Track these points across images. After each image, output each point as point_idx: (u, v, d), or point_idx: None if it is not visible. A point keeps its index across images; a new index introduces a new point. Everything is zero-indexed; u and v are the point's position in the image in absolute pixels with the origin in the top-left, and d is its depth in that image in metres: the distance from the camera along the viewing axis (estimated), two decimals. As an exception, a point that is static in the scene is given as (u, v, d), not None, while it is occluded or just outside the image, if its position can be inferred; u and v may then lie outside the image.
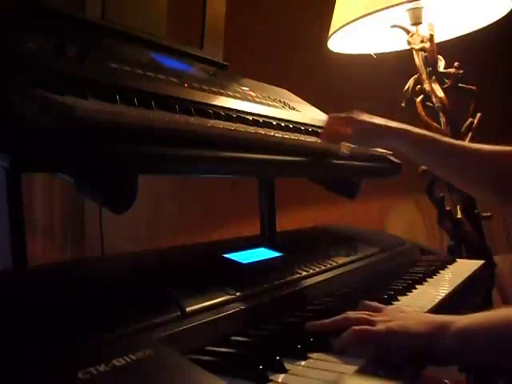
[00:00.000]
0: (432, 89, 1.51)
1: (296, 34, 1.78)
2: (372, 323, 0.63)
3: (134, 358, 0.45)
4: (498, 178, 0.88)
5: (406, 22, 1.51)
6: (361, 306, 0.72)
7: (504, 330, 0.58)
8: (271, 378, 0.52)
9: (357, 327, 0.62)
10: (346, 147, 0.93)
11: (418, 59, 1.52)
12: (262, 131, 0.78)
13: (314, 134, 0.96)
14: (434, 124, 1.50)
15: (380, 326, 0.62)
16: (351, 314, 0.67)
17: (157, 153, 0.57)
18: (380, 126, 0.92)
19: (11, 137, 0.46)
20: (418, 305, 0.80)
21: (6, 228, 0.77)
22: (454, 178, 0.98)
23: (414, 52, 1.52)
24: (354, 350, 0.60)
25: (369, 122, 0.93)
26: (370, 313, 0.67)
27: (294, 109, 1.10)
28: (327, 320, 0.66)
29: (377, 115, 0.96)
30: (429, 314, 0.67)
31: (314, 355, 0.60)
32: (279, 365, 0.54)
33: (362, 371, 0.56)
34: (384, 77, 1.73)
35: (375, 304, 0.72)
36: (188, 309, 0.60)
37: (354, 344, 0.60)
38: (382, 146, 1.01)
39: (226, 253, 0.83)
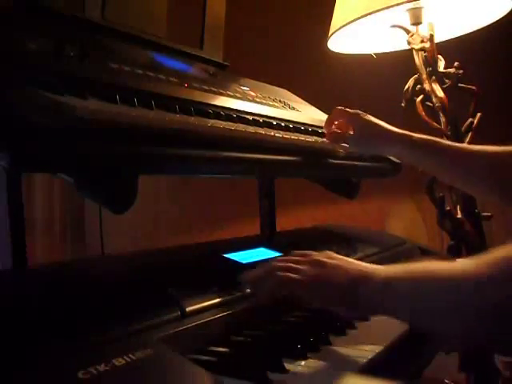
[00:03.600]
0: (432, 89, 1.50)
1: (296, 34, 1.77)
2: (297, 271, 0.63)
3: (134, 357, 0.45)
4: (504, 177, 0.88)
5: (406, 22, 1.51)
6: (292, 253, 0.71)
7: (423, 281, 0.57)
8: (271, 377, 0.52)
9: (282, 274, 0.62)
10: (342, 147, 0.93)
11: (417, 59, 1.52)
12: (261, 131, 0.78)
13: (314, 133, 0.96)
14: (434, 124, 1.50)
15: (304, 276, 0.62)
16: (280, 260, 0.67)
17: (157, 153, 0.57)
18: (382, 128, 0.92)
19: (11, 137, 0.46)
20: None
21: (6, 228, 0.77)
22: (458, 180, 0.97)
23: (414, 52, 1.52)
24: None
25: (371, 122, 0.93)
26: (297, 259, 0.67)
27: (293, 109, 1.10)
28: (256, 270, 0.66)
29: (377, 115, 0.96)
30: (355, 262, 0.65)
31: (315, 355, 0.60)
32: (279, 365, 0.54)
33: (362, 371, 0.56)
34: (384, 77, 1.73)
35: (305, 252, 0.70)
36: (188, 309, 0.60)
37: (275, 291, 0.62)
38: (381, 152, 1.00)
39: (225, 253, 0.83)
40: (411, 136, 0.91)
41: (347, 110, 0.96)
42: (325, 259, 0.65)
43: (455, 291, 0.54)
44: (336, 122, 0.97)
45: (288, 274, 0.62)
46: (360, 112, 0.94)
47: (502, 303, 0.50)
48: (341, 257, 0.66)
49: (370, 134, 0.93)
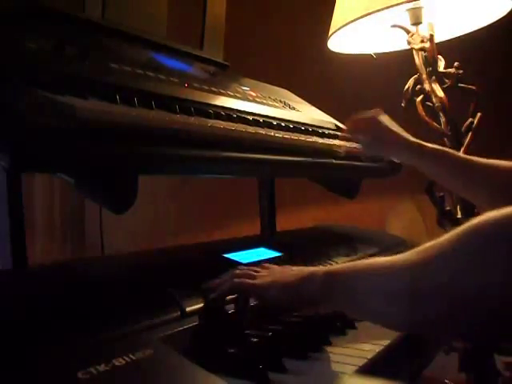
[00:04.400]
0: (432, 89, 1.50)
1: (296, 34, 1.78)
2: (252, 277, 0.67)
3: (133, 357, 0.45)
4: None
5: (406, 22, 1.51)
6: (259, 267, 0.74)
7: (363, 271, 0.59)
8: (271, 377, 0.52)
9: (236, 280, 0.66)
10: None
11: (417, 59, 1.52)
12: (262, 131, 0.78)
13: (314, 133, 0.96)
14: (434, 124, 1.50)
15: (257, 280, 0.66)
16: (239, 270, 0.71)
17: (157, 153, 0.57)
18: (397, 136, 0.94)
19: (11, 137, 0.46)
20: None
21: (6, 228, 0.77)
22: (468, 193, 0.98)
23: (414, 52, 1.52)
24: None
25: (385, 128, 0.94)
26: (255, 269, 0.71)
27: (294, 109, 1.10)
28: (218, 280, 0.68)
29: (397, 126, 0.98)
30: (306, 268, 0.69)
31: (315, 355, 0.60)
32: (279, 365, 0.54)
33: (362, 371, 0.56)
34: (384, 77, 1.73)
35: (267, 265, 0.74)
36: (188, 309, 0.60)
37: (229, 293, 0.65)
38: (393, 157, 1.02)
39: (225, 253, 0.83)
40: (423, 146, 0.93)
41: (362, 117, 0.97)
42: (277, 267, 0.71)
43: (395, 278, 0.55)
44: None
45: (243, 279, 0.67)
46: (376, 115, 0.95)
47: (438, 288, 0.51)
48: (296, 267, 0.70)
49: (383, 140, 0.95)
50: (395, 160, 1.06)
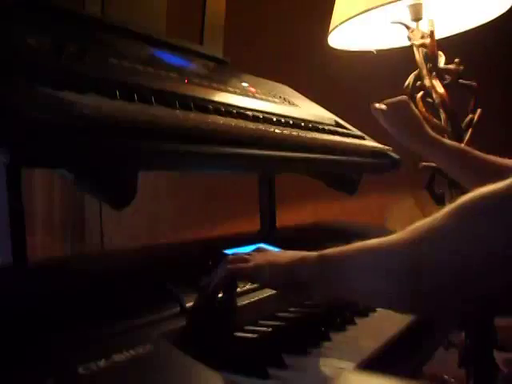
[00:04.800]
0: (432, 85, 1.50)
1: (296, 30, 1.77)
2: (246, 261, 0.67)
3: (134, 353, 0.45)
4: None
5: (407, 18, 1.50)
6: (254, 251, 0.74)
7: (354, 251, 0.59)
8: (271, 373, 0.52)
9: (230, 265, 0.66)
10: None
11: (418, 55, 1.52)
12: (262, 127, 0.78)
13: (314, 129, 0.96)
14: (435, 120, 1.50)
15: (250, 263, 0.66)
16: (232, 256, 0.71)
17: (157, 149, 0.57)
18: (426, 130, 0.96)
19: (11, 133, 0.46)
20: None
21: (6, 226, 0.77)
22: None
23: (415, 48, 1.52)
24: None
25: (420, 120, 0.97)
26: (249, 252, 0.71)
27: (293, 104, 1.09)
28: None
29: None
30: (300, 251, 0.68)
31: (314, 351, 0.60)
32: (279, 361, 0.54)
33: (362, 367, 0.56)
34: (384, 73, 1.73)
35: (262, 248, 0.75)
36: (188, 304, 0.60)
37: (225, 279, 0.65)
38: (417, 150, 1.04)
39: (225, 248, 0.83)
40: (444, 142, 0.94)
41: (393, 100, 1.01)
42: (271, 250, 0.72)
43: (393, 256, 0.55)
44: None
45: (237, 263, 0.67)
46: (406, 99, 0.99)
47: (439, 263, 0.51)
48: (291, 251, 0.69)
49: (413, 127, 0.98)
50: (411, 149, 1.07)
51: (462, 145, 0.97)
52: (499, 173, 0.91)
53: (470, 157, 0.94)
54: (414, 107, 0.99)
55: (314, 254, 0.63)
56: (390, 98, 1.04)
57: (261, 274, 0.65)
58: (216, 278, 0.65)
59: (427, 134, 0.98)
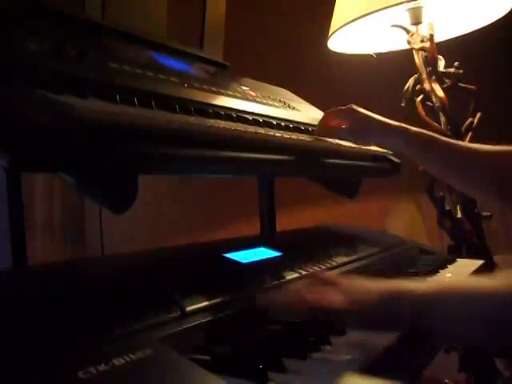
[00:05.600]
0: (432, 88, 1.51)
1: (296, 34, 1.77)
2: (327, 297, 0.63)
3: (134, 357, 0.45)
4: (501, 176, 0.88)
5: (406, 22, 1.51)
6: (312, 277, 0.71)
7: (457, 296, 0.58)
8: (271, 377, 0.52)
9: (309, 296, 0.62)
10: None
11: (417, 59, 1.52)
12: (262, 131, 0.78)
13: (314, 133, 0.96)
14: (434, 124, 1.50)
15: (336, 302, 0.62)
16: (303, 287, 0.67)
17: (157, 153, 0.57)
18: (378, 121, 0.92)
19: (11, 137, 0.46)
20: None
21: (6, 228, 0.77)
22: (452, 177, 0.97)
23: (414, 52, 1.52)
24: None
25: (367, 115, 0.93)
26: (323, 277, 0.68)
27: (294, 108, 1.10)
28: (279, 296, 0.66)
29: (377, 114, 0.96)
30: (383, 282, 0.65)
31: (314, 355, 0.60)
32: (279, 365, 0.54)
33: (362, 371, 0.56)
34: (384, 76, 1.73)
35: (326, 275, 0.72)
36: (188, 308, 0.60)
37: (304, 314, 0.62)
38: (378, 142, 0.99)
39: (225, 252, 0.83)
40: (408, 128, 0.91)
41: (338, 108, 0.96)
42: (347, 281, 0.66)
43: (490, 304, 0.55)
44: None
45: (319, 299, 0.62)
46: (353, 105, 0.94)
47: None
48: (362, 279, 0.66)
49: (365, 126, 0.93)
50: (382, 146, 1.04)
51: (429, 132, 0.94)
52: (467, 157, 0.91)
53: (434, 141, 0.92)
54: (361, 109, 0.95)
55: (405, 291, 0.60)
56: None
57: (347, 317, 0.61)
58: (297, 313, 0.62)
59: (385, 122, 0.93)
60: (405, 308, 0.59)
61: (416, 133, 0.91)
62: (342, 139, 0.95)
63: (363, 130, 0.94)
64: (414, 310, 0.59)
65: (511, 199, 0.88)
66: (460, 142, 0.98)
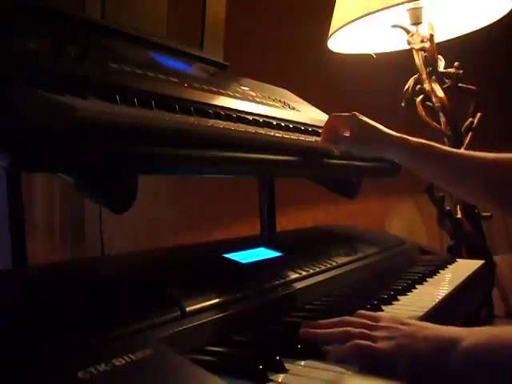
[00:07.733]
0: (432, 89, 1.51)
1: (296, 34, 1.78)
2: (373, 339, 0.60)
3: (134, 357, 0.45)
4: (503, 186, 0.87)
5: (406, 22, 1.51)
6: (357, 315, 0.68)
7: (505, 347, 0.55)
8: (271, 377, 0.52)
9: (359, 342, 0.59)
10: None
11: (417, 59, 1.52)
12: (262, 131, 0.78)
13: (315, 133, 0.96)
14: (434, 124, 1.50)
15: (382, 344, 0.59)
16: (350, 326, 0.64)
17: (157, 153, 0.57)
18: (380, 130, 0.91)
19: (11, 137, 0.46)
20: (418, 305, 0.80)
21: (6, 228, 0.77)
22: (453, 186, 0.96)
23: (414, 52, 1.52)
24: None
25: (370, 124, 0.92)
26: (369, 323, 0.64)
27: (294, 109, 1.10)
28: (323, 331, 0.63)
29: (377, 115, 0.96)
30: (431, 327, 0.62)
31: (314, 355, 0.60)
32: (279, 365, 0.54)
33: (362, 371, 0.56)
34: (384, 77, 1.73)
35: (370, 314, 0.69)
36: (188, 309, 0.60)
37: (354, 359, 0.57)
38: (378, 153, 0.97)
39: (225, 253, 0.83)
40: (408, 139, 0.90)
41: (341, 114, 0.95)
42: (399, 326, 0.63)
43: None
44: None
45: (367, 342, 0.59)
46: (357, 113, 0.94)
47: None
48: (413, 321, 0.64)
49: (367, 135, 0.92)
50: (382, 157, 1.03)
51: (426, 141, 0.93)
52: (461, 168, 0.90)
53: (431, 153, 0.91)
54: (364, 117, 0.93)
55: (458, 343, 0.57)
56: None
57: (397, 360, 0.57)
58: (345, 354, 0.58)
59: (387, 134, 0.92)
60: (457, 358, 0.56)
61: (415, 143, 0.90)
62: (343, 149, 0.94)
63: (364, 139, 0.93)
64: (468, 360, 0.56)
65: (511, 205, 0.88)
66: (460, 151, 0.97)
